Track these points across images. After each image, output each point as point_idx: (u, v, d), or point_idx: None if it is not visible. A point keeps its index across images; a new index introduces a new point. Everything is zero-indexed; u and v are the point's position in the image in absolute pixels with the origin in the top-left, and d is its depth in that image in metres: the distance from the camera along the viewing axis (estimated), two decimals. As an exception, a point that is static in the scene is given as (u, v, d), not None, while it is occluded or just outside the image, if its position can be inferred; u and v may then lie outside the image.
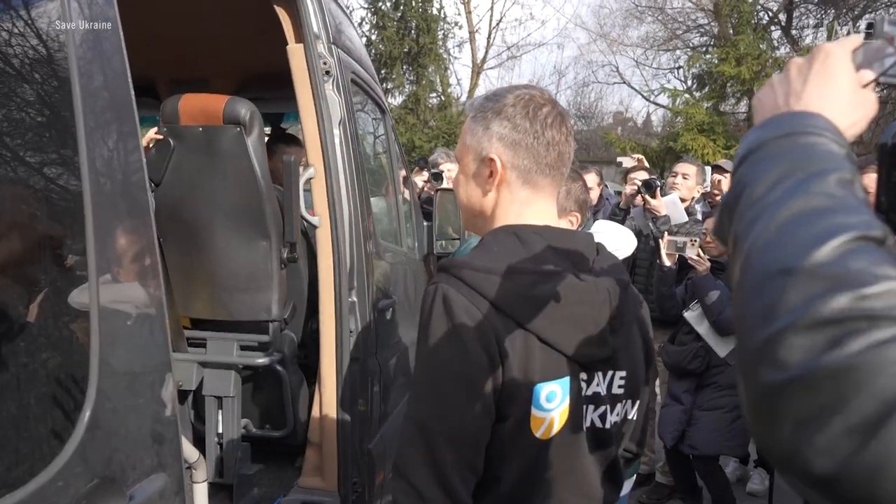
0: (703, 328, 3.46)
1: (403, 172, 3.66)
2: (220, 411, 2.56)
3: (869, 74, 0.67)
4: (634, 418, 1.27)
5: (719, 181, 4.54)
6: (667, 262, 3.58)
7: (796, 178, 0.55)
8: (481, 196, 1.21)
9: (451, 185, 4.47)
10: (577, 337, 1.11)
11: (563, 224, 1.93)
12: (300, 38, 2.43)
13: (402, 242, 3.45)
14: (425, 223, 3.78)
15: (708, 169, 5.29)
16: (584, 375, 1.14)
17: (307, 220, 2.49)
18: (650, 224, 3.92)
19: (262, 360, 2.53)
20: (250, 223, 2.42)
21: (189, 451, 1.71)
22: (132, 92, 1.12)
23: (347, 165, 2.47)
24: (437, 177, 4.55)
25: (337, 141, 2.44)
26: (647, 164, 4.88)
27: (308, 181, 2.46)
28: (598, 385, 1.16)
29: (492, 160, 1.16)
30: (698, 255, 3.42)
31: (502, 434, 1.09)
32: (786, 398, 0.47)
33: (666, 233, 3.72)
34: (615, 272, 1.20)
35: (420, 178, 4.61)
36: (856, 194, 0.54)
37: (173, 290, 2.51)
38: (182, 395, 2.59)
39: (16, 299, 0.89)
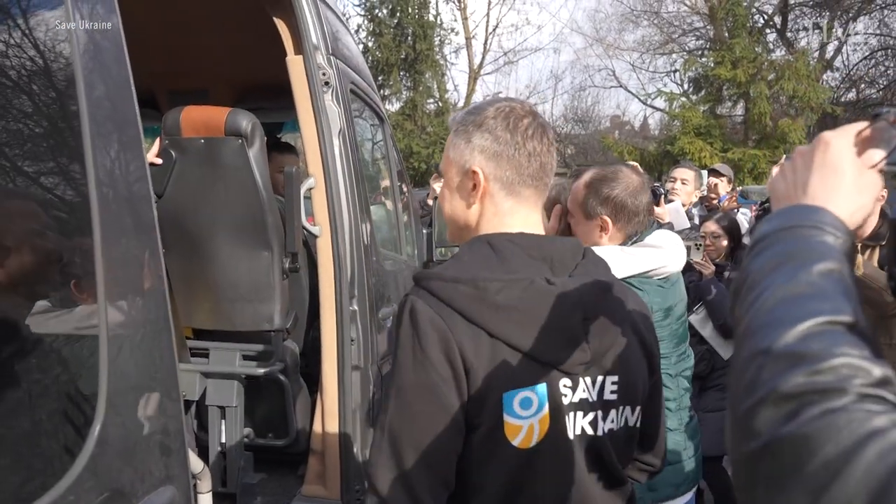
0: (707, 331, 3.48)
1: (406, 189, 3.67)
2: (223, 421, 2.58)
3: (876, 155, 0.71)
4: (638, 425, 1.23)
5: (715, 185, 4.56)
6: None
7: (786, 268, 0.63)
8: (465, 208, 1.22)
9: None
10: (548, 342, 1.10)
11: (590, 228, 1.94)
12: (299, 49, 2.46)
13: (402, 250, 3.46)
14: (424, 231, 3.80)
15: (704, 172, 5.31)
16: (566, 381, 1.13)
17: (308, 230, 2.50)
18: None
19: (264, 369, 2.54)
20: (252, 234, 2.44)
21: (194, 461, 1.72)
22: (136, 104, 1.13)
23: (347, 175, 2.49)
24: None
25: (337, 151, 2.46)
26: (639, 169, 4.89)
27: (308, 191, 2.48)
28: (584, 391, 1.14)
29: (474, 172, 1.18)
30: (703, 259, 3.44)
31: (475, 444, 1.09)
32: (758, 464, 0.53)
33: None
34: (597, 274, 1.19)
35: (438, 185, 4.60)
36: (838, 282, 0.61)
37: (176, 301, 2.53)
38: (185, 405, 2.60)
39: (25, 315, 0.91)
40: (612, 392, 1.17)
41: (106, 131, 1.05)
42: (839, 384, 0.52)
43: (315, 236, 2.49)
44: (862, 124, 0.73)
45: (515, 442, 1.08)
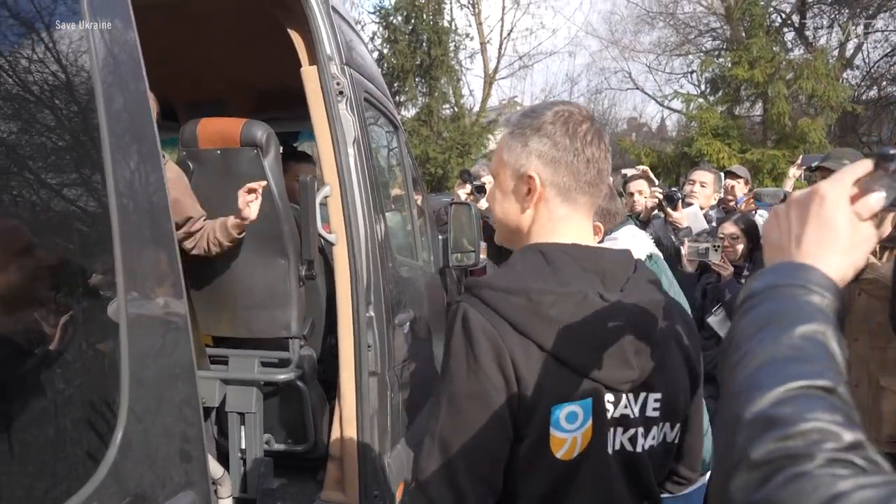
0: (725, 332, 3.46)
1: (419, 198, 3.69)
2: (242, 427, 2.61)
3: (875, 200, 0.71)
4: (676, 440, 1.23)
5: (732, 187, 4.53)
6: (689, 269, 3.59)
7: (769, 330, 0.63)
8: (518, 213, 1.21)
9: None
10: (597, 358, 1.09)
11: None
12: (314, 60, 2.49)
13: (418, 256, 3.49)
14: (440, 236, 3.82)
15: (722, 174, 5.28)
16: (610, 397, 1.12)
17: (324, 238, 2.54)
18: (671, 236, 3.92)
19: (282, 376, 2.57)
20: (269, 242, 2.48)
21: (214, 467, 1.76)
22: (153, 116, 1.16)
23: (362, 183, 2.52)
24: (481, 189, 4.48)
25: (351, 160, 2.49)
26: (650, 174, 4.88)
27: (324, 199, 2.52)
28: (626, 407, 1.14)
29: (530, 177, 1.17)
30: (722, 260, 3.42)
31: (521, 453, 1.09)
32: None
33: (686, 239, 3.72)
34: (649, 292, 1.17)
35: (463, 192, 4.59)
36: (820, 345, 0.61)
37: (195, 309, 2.57)
38: (205, 411, 2.64)
39: (49, 325, 0.94)
40: (654, 409, 1.17)
41: (124, 143, 1.08)
42: (808, 449, 0.53)
43: (331, 244, 2.52)
44: (860, 170, 0.72)
45: (559, 454, 1.09)
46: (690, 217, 3.93)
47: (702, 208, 4.11)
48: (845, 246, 0.70)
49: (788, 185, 4.53)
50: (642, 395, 1.15)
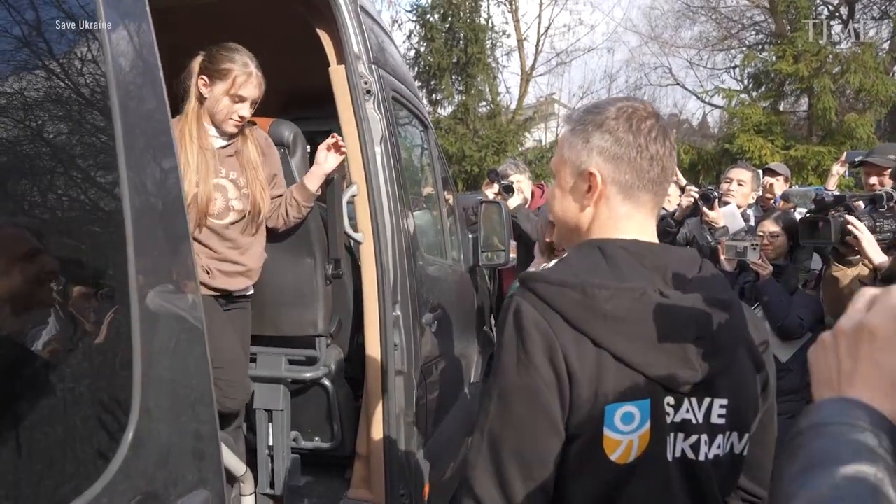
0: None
1: (449, 197, 3.67)
2: (270, 424, 2.64)
3: None
4: (744, 453, 1.16)
5: (771, 185, 4.41)
6: (727, 268, 3.50)
7: (813, 473, 0.61)
8: (578, 211, 1.18)
9: (521, 198, 4.44)
10: (657, 357, 1.05)
11: None
12: (342, 59, 2.50)
13: (447, 255, 3.47)
14: (470, 235, 3.80)
15: (760, 172, 5.15)
16: (670, 400, 1.07)
17: (351, 237, 2.54)
18: (707, 235, 3.83)
19: (309, 374, 2.59)
20: (296, 241, 2.49)
21: (236, 465, 1.77)
22: (168, 111, 1.16)
23: (389, 182, 2.51)
24: (508, 189, 4.46)
25: (378, 158, 2.49)
26: (678, 175, 4.79)
27: (351, 198, 2.52)
28: (688, 412, 1.08)
29: (591, 174, 1.14)
30: (761, 259, 3.34)
31: (572, 454, 1.05)
32: None
33: (724, 238, 3.64)
34: (715, 291, 1.12)
35: (491, 191, 4.57)
36: (866, 487, 0.58)
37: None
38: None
39: (60, 323, 0.95)
40: (719, 416, 1.11)
41: (139, 142, 1.09)
42: None
43: (358, 242, 2.53)
44: None
45: (613, 457, 1.04)
46: (727, 216, 3.83)
47: (739, 207, 4.00)
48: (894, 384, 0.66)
49: (832, 183, 4.38)
50: (706, 400, 1.10)
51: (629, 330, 1.04)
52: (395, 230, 2.51)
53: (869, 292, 0.71)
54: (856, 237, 2.24)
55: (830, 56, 13.89)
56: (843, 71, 13.43)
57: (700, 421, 1.09)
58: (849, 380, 0.68)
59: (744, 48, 16.83)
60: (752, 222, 3.95)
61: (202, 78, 2.28)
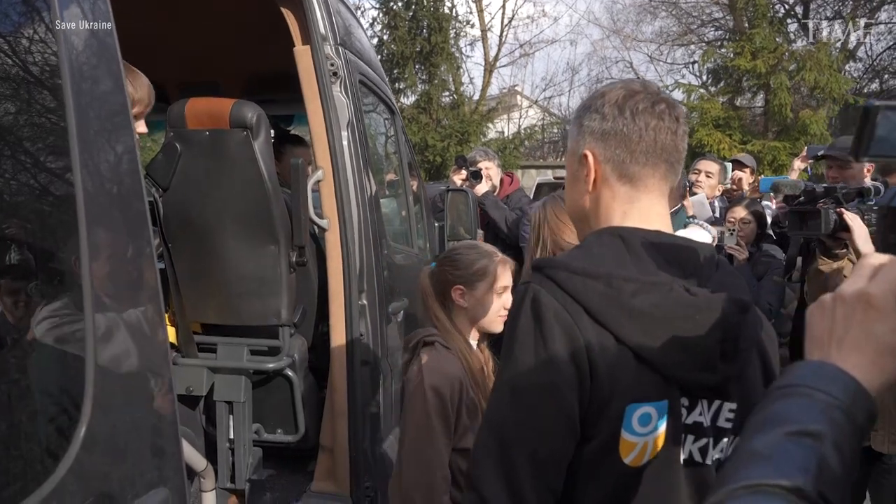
0: None
1: (415, 184, 3.62)
2: (231, 416, 2.55)
3: None
4: None
5: (740, 179, 4.48)
6: None
7: (764, 430, 0.65)
8: (581, 197, 1.14)
9: (489, 185, 4.38)
10: (680, 358, 1.00)
11: None
12: (307, 39, 2.42)
13: (413, 244, 3.42)
14: (437, 224, 3.75)
15: (728, 165, 5.22)
16: (685, 401, 1.03)
17: (316, 223, 2.47)
18: None
19: (272, 364, 2.51)
20: (259, 227, 2.41)
21: (197, 459, 1.70)
22: (126, 93, 1.09)
23: (356, 167, 2.45)
24: (476, 175, 4.35)
25: (345, 143, 2.43)
26: None
27: (316, 183, 2.45)
28: (700, 414, 1.05)
29: (585, 156, 1.10)
30: (737, 245, 3.38)
31: (586, 456, 1.00)
32: None
33: (703, 223, 3.68)
34: (735, 291, 1.07)
35: (458, 178, 4.49)
36: (807, 448, 0.61)
37: (183, 296, 2.50)
38: (193, 400, 2.58)
39: (8, 312, 0.87)
40: (727, 420, 1.07)
41: (93, 123, 1.01)
42: None
43: (323, 229, 2.46)
44: None
45: (627, 459, 1.00)
46: (696, 205, 3.87)
47: (707, 198, 4.04)
48: (885, 354, 0.68)
49: (793, 178, 4.47)
50: (717, 402, 1.06)
51: (654, 327, 0.99)
52: (362, 217, 2.45)
53: (874, 260, 0.72)
54: (849, 230, 2.23)
55: (787, 53, 14.19)
56: (798, 68, 13.74)
57: (709, 424, 1.06)
58: (839, 343, 0.70)
59: (703, 44, 17.08)
60: (717, 213, 4.00)
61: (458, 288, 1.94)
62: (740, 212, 3.62)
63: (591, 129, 1.09)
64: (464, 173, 4.41)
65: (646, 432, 1.00)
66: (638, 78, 1.19)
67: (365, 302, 2.44)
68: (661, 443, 1.01)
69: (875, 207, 2.27)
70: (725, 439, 1.08)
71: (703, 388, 1.04)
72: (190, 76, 3.37)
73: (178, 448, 1.10)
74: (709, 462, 1.06)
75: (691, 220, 3.74)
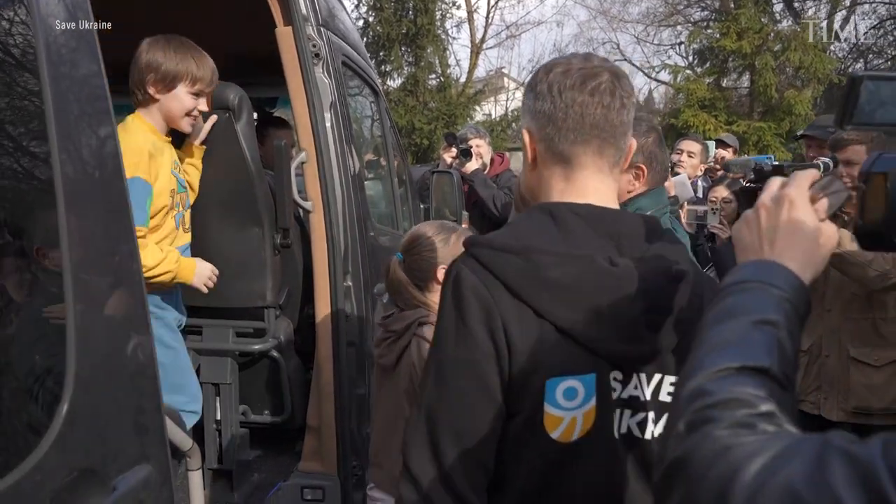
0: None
1: (402, 163, 3.61)
2: (217, 398, 2.57)
3: (822, 207, 0.82)
4: None
5: (722, 157, 4.51)
6: (688, 231, 3.56)
7: (726, 321, 0.72)
8: (528, 176, 1.15)
9: (479, 163, 4.36)
10: (602, 331, 1.00)
11: (626, 179, 1.76)
12: (289, 21, 2.41)
13: (399, 225, 3.43)
14: (422, 205, 3.76)
15: (711, 144, 5.25)
16: (617, 375, 1.03)
17: (300, 205, 2.47)
18: None
19: (258, 346, 2.53)
20: (242, 209, 2.41)
21: (182, 439, 1.71)
22: (104, 76, 1.09)
23: (339, 149, 2.45)
24: (466, 153, 4.30)
25: (328, 124, 2.42)
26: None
27: (300, 165, 2.45)
28: (636, 388, 1.04)
29: (524, 135, 1.11)
30: (721, 223, 3.40)
31: (512, 431, 1.01)
32: (661, 485, 0.66)
33: (686, 203, 3.70)
34: (671, 261, 1.06)
35: (448, 155, 4.45)
36: (767, 333, 0.69)
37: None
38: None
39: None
40: (668, 394, 1.06)
41: (72, 107, 1.01)
42: (721, 414, 0.62)
43: (308, 211, 2.46)
44: (812, 175, 0.83)
45: (555, 434, 1.00)
46: (678, 185, 3.89)
47: (689, 178, 4.07)
48: (811, 244, 0.78)
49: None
50: (657, 376, 1.06)
51: (573, 300, 0.99)
52: (346, 199, 2.46)
53: (780, 179, 0.85)
54: None
55: (772, 34, 14.21)
56: (783, 48, 13.77)
57: (648, 398, 1.06)
58: (770, 245, 0.79)
59: (689, 24, 17.05)
60: (699, 193, 4.03)
61: None
62: (722, 191, 3.63)
63: (528, 107, 1.10)
64: (454, 151, 4.38)
65: (572, 406, 1.00)
66: (590, 53, 1.16)
67: (350, 283, 2.45)
68: (592, 418, 1.01)
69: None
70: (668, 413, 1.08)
71: (635, 361, 1.03)
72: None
73: (161, 426, 1.12)
74: (647, 437, 1.06)
75: (672, 200, 3.77)
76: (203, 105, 2.14)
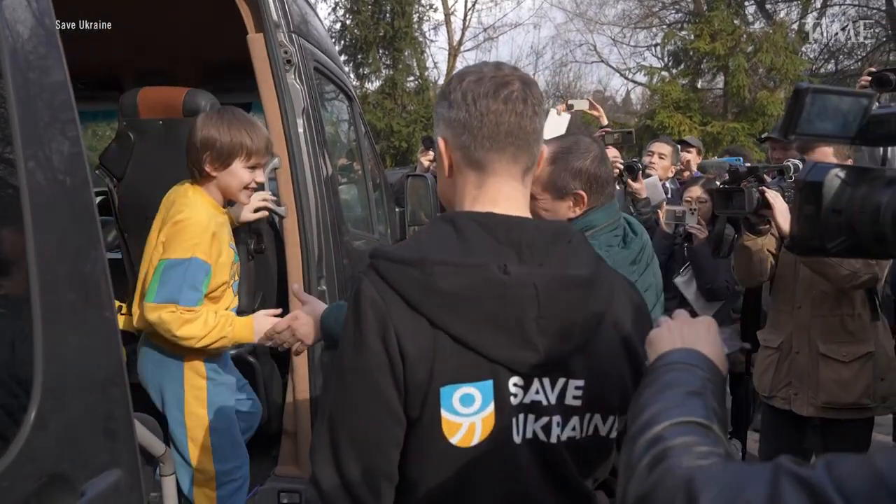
0: (690, 293, 3.50)
1: (377, 168, 3.63)
2: (193, 403, 2.56)
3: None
4: (613, 435, 1.13)
5: (688, 161, 4.59)
6: (666, 231, 3.60)
7: (666, 392, 0.89)
8: (443, 186, 1.16)
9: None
10: (494, 337, 1.02)
11: (561, 206, 1.80)
12: (260, 27, 2.42)
13: (374, 229, 3.45)
14: (397, 209, 3.78)
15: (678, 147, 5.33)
16: (517, 380, 1.05)
17: (274, 211, 2.49)
18: (630, 207, 3.93)
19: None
20: (216, 215, 2.41)
21: (156, 445, 1.72)
22: (69, 82, 1.10)
23: (312, 154, 2.47)
24: None
25: (301, 130, 2.44)
26: (600, 108, 4.95)
27: (273, 171, 2.46)
28: (538, 393, 1.06)
29: (439, 144, 1.13)
30: (699, 223, 3.44)
31: (414, 438, 1.04)
32: None
33: (664, 203, 3.75)
34: (575, 266, 1.08)
35: (426, 159, 4.46)
36: (697, 398, 0.86)
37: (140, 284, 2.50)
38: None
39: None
40: (574, 398, 1.08)
41: (38, 115, 1.03)
42: (677, 452, 0.76)
43: (281, 216, 2.48)
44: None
45: (454, 440, 1.03)
46: (649, 187, 3.94)
47: (660, 179, 4.13)
48: (712, 342, 1.01)
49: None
50: (560, 381, 1.07)
51: (466, 309, 1.01)
52: (320, 203, 2.47)
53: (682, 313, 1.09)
54: (771, 207, 2.34)
55: (745, 35, 14.43)
56: (756, 50, 13.99)
57: (553, 402, 1.07)
58: (682, 339, 1.01)
59: (664, 26, 17.26)
60: (669, 195, 4.09)
61: None
62: (696, 191, 3.67)
63: (442, 115, 1.12)
64: (431, 154, 4.43)
65: (470, 413, 1.03)
66: (501, 62, 1.17)
67: (324, 287, 2.47)
68: (491, 423, 1.04)
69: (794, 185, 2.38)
70: (576, 417, 1.09)
71: (533, 367, 1.05)
72: (145, 65, 3.34)
73: (130, 431, 1.13)
74: (553, 440, 1.08)
75: (644, 202, 3.82)
76: (260, 177, 2.16)
